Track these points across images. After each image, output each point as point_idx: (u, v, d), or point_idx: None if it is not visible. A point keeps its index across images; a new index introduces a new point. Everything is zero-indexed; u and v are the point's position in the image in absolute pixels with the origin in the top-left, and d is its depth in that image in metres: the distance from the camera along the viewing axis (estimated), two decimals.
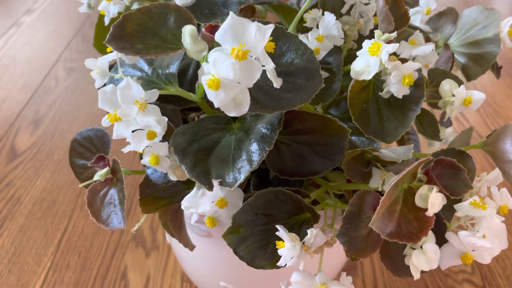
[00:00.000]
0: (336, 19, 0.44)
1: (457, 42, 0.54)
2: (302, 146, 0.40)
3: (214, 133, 0.39)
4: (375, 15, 0.46)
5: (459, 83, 0.43)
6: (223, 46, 0.31)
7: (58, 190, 0.86)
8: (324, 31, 0.41)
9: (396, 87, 0.36)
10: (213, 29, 0.35)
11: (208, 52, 0.34)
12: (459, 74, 0.57)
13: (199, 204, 0.37)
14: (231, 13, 0.31)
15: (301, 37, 0.41)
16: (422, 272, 0.38)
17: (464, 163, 0.39)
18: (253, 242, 0.38)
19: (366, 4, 0.44)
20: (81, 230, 0.78)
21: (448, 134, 0.51)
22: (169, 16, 0.36)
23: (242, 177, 0.34)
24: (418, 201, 0.33)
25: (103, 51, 0.57)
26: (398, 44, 0.35)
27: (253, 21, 0.32)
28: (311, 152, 0.39)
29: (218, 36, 0.31)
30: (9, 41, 1.38)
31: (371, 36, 0.43)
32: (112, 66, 0.46)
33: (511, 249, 0.78)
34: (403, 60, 0.37)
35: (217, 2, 0.43)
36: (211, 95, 0.32)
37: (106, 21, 0.47)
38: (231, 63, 0.30)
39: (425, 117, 0.43)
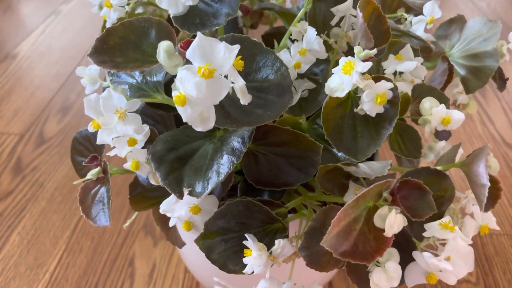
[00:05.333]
0: (325, 32, 0.45)
1: (458, 54, 0.53)
2: (278, 157, 0.41)
3: (195, 141, 0.41)
4: None
5: (445, 100, 0.43)
6: (193, 64, 0.33)
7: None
8: (307, 45, 0.41)
9: (369, 105, 0.37)
10: (189, 45, 0.36)
11: None
12: (461, 87, 0.56)
13: (174, 209, 0.39)
14: (198, 33, 0.32)
15: (284, 51, 0.42)
16: None
17: (439, 183, 0.40)
18: (226, 248, 0.40)
19: (356, 16, 0.44)
20: None
21: (440, 147, 0.50)
22: (151, 30, 0.38)
23: (209, 188, 0.36)
24: (377, 221, 0.34)
25: None
26: (370, 63, 0.36)
27: (222, 40, 0.33)
28: (287, 164, 0.41)
29: (188, 55, 0.33)
30: (47, 29, 1.44)
31: None
32: None
33: None
34: (377, 79, 0.37)
35: (208, 13, 0.44)
36: (180, 110, 0.33)
37: (108, 26, 0.50)
38: (196, 81, 0.32)
39: (408, 133, 0.43)
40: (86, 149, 0.50)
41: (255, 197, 0.45)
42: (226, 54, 0.32)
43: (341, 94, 0.37)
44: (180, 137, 0.41)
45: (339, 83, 0.37)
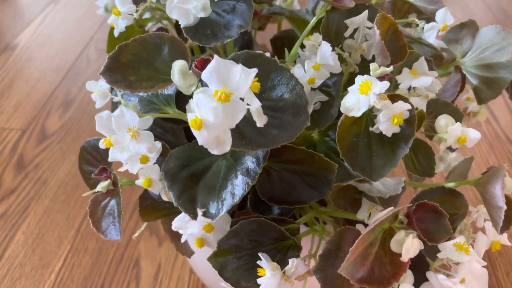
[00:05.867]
0: (339, 46, 0.44)
1: (471, 62, 0.52)
2: (292, 174, 0.40)
3: (207, 157, 0.40)
4: None
5: (459, 117, 0.42)
6: (209, 87, 0.32)
7: None
8: (321, 60, 0.41)
9: (386, 125, 0.36)
10: (204, 63, 0.35)
11: (197, 87, 0.35)
12: (471, 93, 0.56)
13: (187, 227, 0.39)
14: (215, 56, 0.31)
15: (298, 66, 0.41)
16: None
17: (453, 201, 0.39)
18: (238, 266, 0.40)
19: (370, 28, 0.44)
20: None
21: (451, 159, 0.50)
22: (164, 46, 0.37)
23: (224, 210, 0.35)
24: (394, 246, 0.33)
25: None
26: (388, 83, 0.35)
27: (236, 56, 0.33)
28: (300, 181, 0.40)
29: (204, 77, 0.32)
30: (47, 19, 1.42)
31: (374, 60, 0.43)
32: None
33: None
34: (394, 98, 0.36)
35: (219, 24, 0.43)
36: (195, 134, 0.33)
37: (116, 33, 0.49)
38: (213, 106, 0.31)
39: (421, 149, 0.42)
40: (94, 158, 0.49)
41: (265, 209, 0.45)
42: (243, 77, 0.32)
43: (357, 113, 0.36)
44: (192, 152, 0.41)
45: (355, 102, 0.37)
